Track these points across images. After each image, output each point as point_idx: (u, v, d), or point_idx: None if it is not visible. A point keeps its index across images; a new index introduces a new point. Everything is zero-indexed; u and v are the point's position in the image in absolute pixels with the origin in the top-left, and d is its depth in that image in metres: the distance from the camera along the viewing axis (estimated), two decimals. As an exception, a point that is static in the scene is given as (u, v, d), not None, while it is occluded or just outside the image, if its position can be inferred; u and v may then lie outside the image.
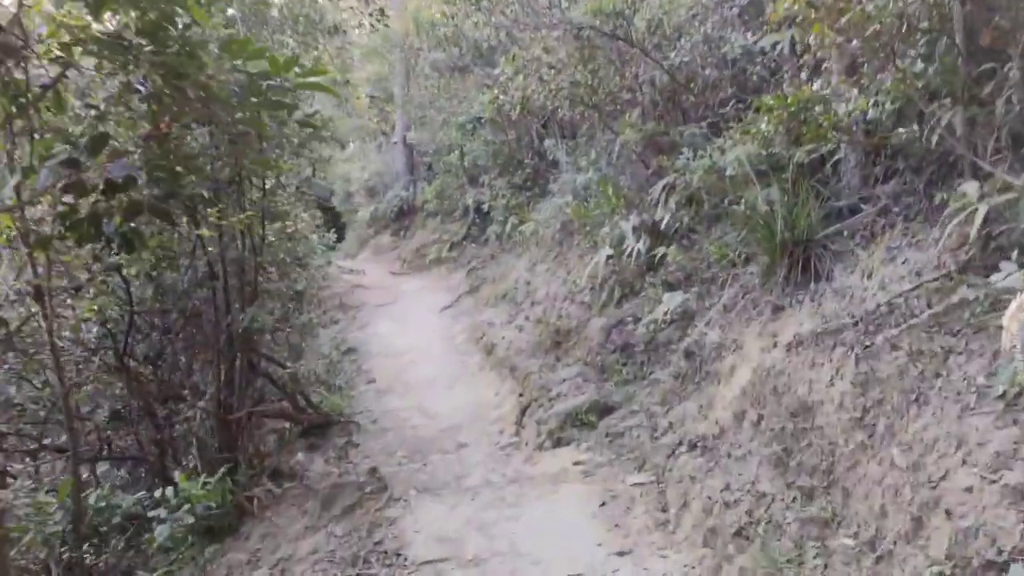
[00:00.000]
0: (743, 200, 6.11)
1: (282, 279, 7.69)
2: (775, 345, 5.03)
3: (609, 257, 8.36)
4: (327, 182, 26.96)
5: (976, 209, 4.02)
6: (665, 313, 6.73)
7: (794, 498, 4.10)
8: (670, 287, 7.24)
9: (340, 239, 26.73)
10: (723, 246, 6.48)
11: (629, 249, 7.86)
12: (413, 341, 11.21)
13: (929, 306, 4.19)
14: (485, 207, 15.94)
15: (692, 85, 8.55)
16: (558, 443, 6.41)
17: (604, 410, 6.49)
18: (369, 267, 19.06)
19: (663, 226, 7.57)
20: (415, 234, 19.72)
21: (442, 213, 18.76)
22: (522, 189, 14.09)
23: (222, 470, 6.28)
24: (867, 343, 4.19)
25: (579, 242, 10.11)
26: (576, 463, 5.88)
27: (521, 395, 7.89)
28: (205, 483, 5.84)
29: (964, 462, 3.10)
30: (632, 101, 8.69)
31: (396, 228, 20.64)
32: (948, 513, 3.05)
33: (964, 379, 3.42)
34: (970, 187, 4.20)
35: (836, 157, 5.97)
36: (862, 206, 5.68)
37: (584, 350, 7.95)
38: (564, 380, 7.40)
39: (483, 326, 10.92)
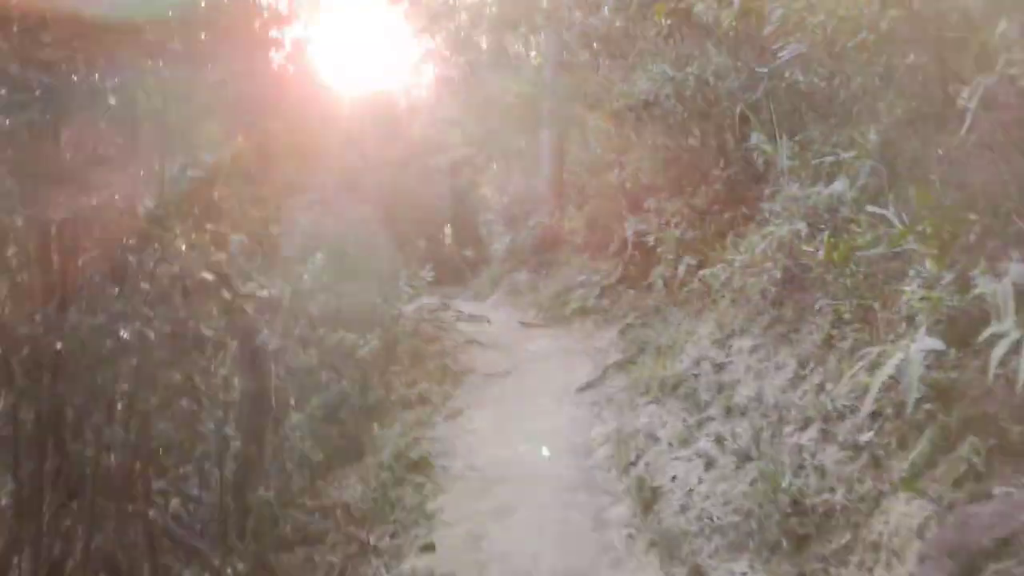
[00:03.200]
0: None
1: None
2: None
3: (933, 355, 3.66)
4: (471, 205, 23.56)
5: None
6: None
7: None
8: None
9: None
10: None
11: (1008, 347, 3.12)
12: (523, 452, 6.92)
13: None
14: (649, 240, 11.49)
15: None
16: None
17: None
18: (497, 313, 15.09)
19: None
20: (558, 273, 15.52)
21: (592, 247, 14.45)
22: (706, 214, 9.52)
23: None
24: None
25: (822, 307, 5.41)
26: None
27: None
28: None
29: None
30: None
31: (535, 264, 16.53)
32: None
33: None
34: None
35: None
36: None
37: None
38: None
39: (639, 438, 6.45)
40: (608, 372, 9.07)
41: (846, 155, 5.45)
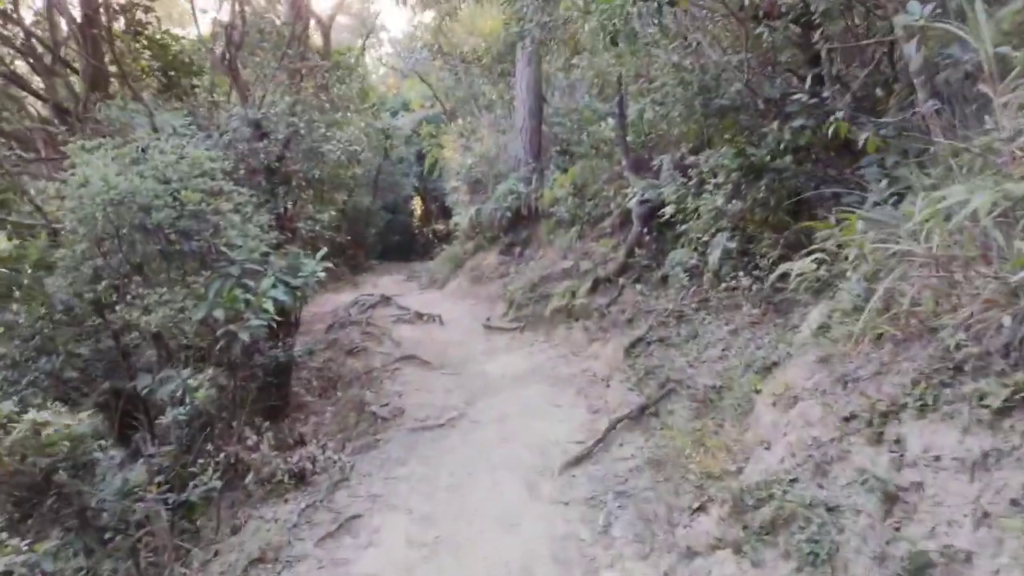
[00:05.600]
0: None
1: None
2: None
3: None
4: (439, 173, 19.58)
5: None
6: None
7: None
8: None
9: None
10: None
11: None
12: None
13: None
14: (665, 213, 7.86)
15: None
16: None
17: None
18: (455, 308, 11.44)
19: None
20: (536, 254, 11.86)
21: (582, 221, 10.80)
22: (767, 171, 5.87)
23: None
24: None
25: None
26: None
27: None
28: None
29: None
30: None
31: (507, 243, 12.84)
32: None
33: None
34: None
35: None
36: None
37: None
38: None
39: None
40: (615, 432, 5.47)
41: None
